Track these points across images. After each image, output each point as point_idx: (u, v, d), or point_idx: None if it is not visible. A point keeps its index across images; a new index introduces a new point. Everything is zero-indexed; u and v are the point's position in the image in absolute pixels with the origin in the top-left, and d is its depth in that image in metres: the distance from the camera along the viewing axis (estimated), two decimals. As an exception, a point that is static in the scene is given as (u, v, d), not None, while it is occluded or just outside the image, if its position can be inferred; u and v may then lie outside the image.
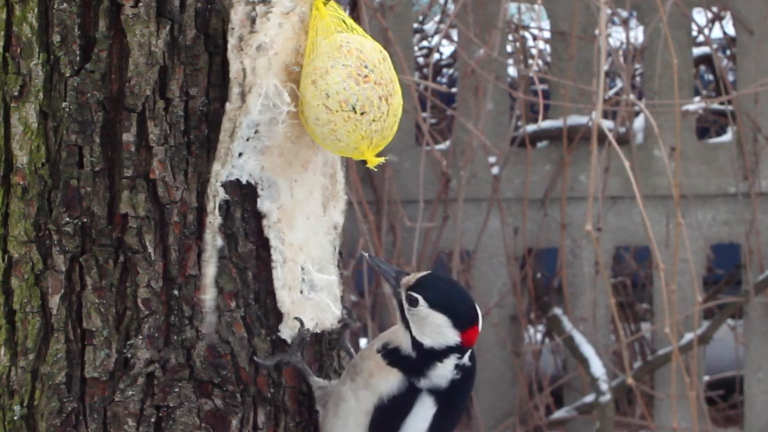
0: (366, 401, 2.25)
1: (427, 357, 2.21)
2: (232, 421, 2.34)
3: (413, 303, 2.19)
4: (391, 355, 2.24)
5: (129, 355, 2.31)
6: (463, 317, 2.20)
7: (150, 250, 2.31)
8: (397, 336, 2.24)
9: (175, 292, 2.32)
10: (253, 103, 2.28)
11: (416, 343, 2.21)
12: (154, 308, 2.31)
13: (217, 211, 2.31)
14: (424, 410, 2.24)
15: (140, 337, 2.31)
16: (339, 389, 2.32)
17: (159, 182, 2.31)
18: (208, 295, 2.32)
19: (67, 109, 2.31)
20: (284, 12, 2.31)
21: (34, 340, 2.35)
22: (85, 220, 2.32)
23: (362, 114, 2.25)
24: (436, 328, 2.19)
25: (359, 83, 2.25)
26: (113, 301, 2.32)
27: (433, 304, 2.19)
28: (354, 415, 2.28)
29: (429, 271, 2.24)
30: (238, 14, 2.29)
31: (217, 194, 2.31)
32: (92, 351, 2.32)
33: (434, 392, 2.22)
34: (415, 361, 2.21)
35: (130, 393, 2.31)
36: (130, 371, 2.31)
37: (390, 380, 2.23)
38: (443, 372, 2.21)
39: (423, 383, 2.22)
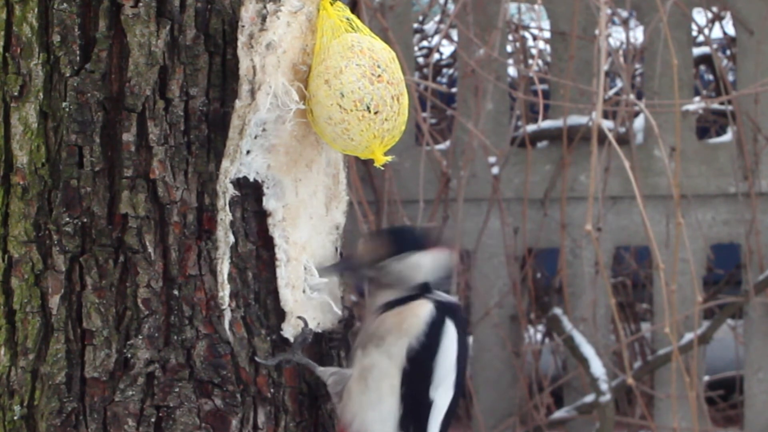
0: (399, 351, 2.34)
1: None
2: (232, 421, 2.34)
3: (385, 267, 2.41)
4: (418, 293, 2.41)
5: (129, 355, 2.31)
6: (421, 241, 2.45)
7: (150, 250, 2.31)
8: (400, 293, 2.42)
9: (175, 292, 2.32)
10: (262, 100, 2.29)
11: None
12: (154, 308, 2.31)
13: (227, 207, 2.32)
14: (451, 341, 2.37)
15: (140, 337, 2.31)
16: (362, 363, 2.35)
17: (159, 182, 2.31)
18: (225, 292, 2.32)
19: (67, 109, 2.31)
20: (292, 11, 2.32)
21: (34, 340, 2.35)
22: (85, 220, 2.32)
23: (376, 113, 2.28)
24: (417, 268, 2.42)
25: (373, 83, 2.27)
26: (113, 301, 2.32)
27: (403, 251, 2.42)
28: (388, 378, 2.34)
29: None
30: (248, 12, 2.30)
31: (227, 191, 2.31)
32: (92, 351, 2.32)
33: (454, 319, 2.39)
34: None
35: (130, 393, 2.31)
36: (130, 371, 2.31)
37: (426, 306, 2.38)
38: (449, 285, 2.47)
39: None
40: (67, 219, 2.32)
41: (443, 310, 2.38)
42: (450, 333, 2.37)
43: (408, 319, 2.37)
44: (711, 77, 6.15)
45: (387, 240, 2.42)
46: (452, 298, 2.43)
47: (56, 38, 2.32)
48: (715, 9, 5.61)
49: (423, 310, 2.37)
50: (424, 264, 2.40)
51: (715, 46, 5.53)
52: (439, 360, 2.36)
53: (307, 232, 2.39)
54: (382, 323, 2.38)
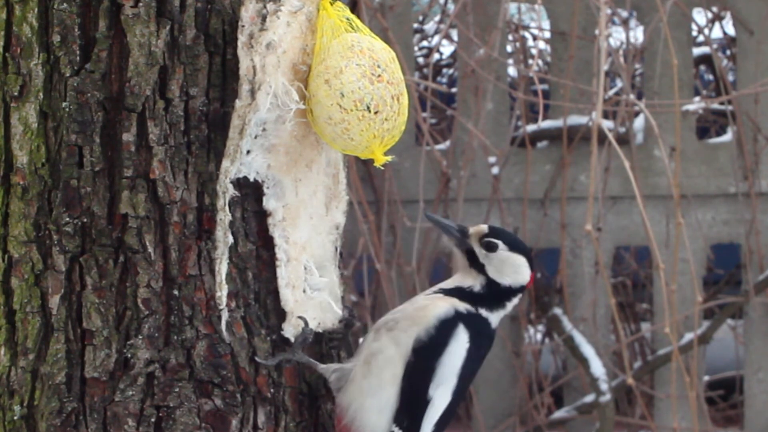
0: (407, 340, 2.36)
1: (501, 294, 2.46)
2: (232, 421, 2.34)
3: (492, 248, 2.44)
4: (452, 293, 2.42)
5: (129, 355, 2.31)
6: (532, 261, 2.48)
7: (150, 250, 2.31)
8: (462, 280, 2.46)
9: (175, 292, 2.32)
10: (263, 100, 2.29)
11: (491, 283, 2.45)
12: (154, 308, 2.31)
13: (227, 207, 2.32)
14: (460, 346, 2.38)
15: (140, 337, 2.31)
16: (371, 348, 2.37)
17: (159, 182, 2.31)
18: (223, 293, 2.32)
19: (67, 109, 2.31)
20: (292, 11, 2.32)
21: (34, 340, 2.35)
22: (85, 220, 2.32)
23: (376, 113, 2.28)
24: (516, 269, 2.45)
25: (373, 83, 2.28)
26: (113, 301, 2.32)
27: (513, 248, 2.45)
28: (391, 366, 2.35)
29: (489, 224, 2.53)
30: (248, 11, 2.30)
31: (226, 191, 2.32)
32: (92, 351, 2.32)
33: (471, 330, 2.40)
34: (483, 296, 2.44)
35: (130, 393, 2.31)
36: (130, 371, 2.31)
37: (444, 306, 2.41)
38: (510, 306, 2.47)
39: (489, 314, 2.44)
40: (67, 219, 2.32)
41: (463, 318, 2.39)
42: (460, 339, 2.38)
43: (424, 310, 2.39)
44: (711, 77, 6.15)
45: (501, 230, 2.49)
46: (489, 318, 2.44)
47: (56, 38, 2.32)
48: (715, 9, 5.61)
49: (439, 308, 2.39)
50: (512, 264, 2.44)
51: (715, 46, 5.53)
52: (444, 360, 2.36)
53: (307, 232, 2.39)
54: (404, 309, 2.42)
